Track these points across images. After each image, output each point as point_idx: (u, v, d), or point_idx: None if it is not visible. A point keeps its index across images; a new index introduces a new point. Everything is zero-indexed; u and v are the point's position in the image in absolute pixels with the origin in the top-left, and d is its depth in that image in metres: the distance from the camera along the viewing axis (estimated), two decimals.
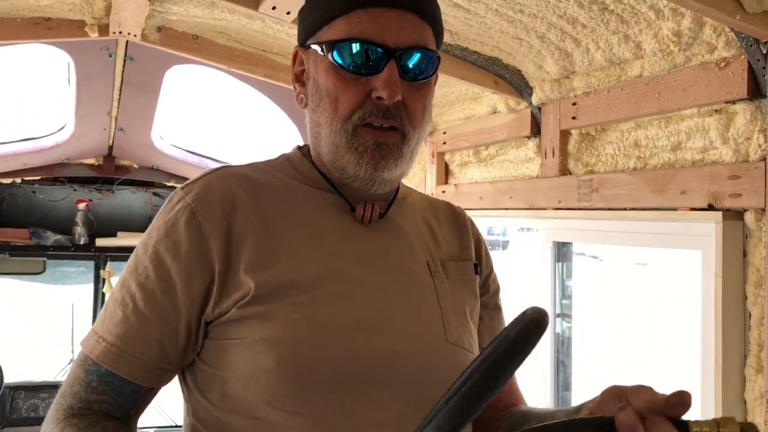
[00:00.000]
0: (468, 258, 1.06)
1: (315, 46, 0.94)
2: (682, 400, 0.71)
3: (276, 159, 1.05)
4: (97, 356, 0.91)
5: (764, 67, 1.38)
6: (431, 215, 1.09)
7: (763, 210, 1.39)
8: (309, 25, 0.96)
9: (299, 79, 0.99)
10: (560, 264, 2.20)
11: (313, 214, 0.95)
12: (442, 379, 0.90)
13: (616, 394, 0.76)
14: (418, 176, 2.87)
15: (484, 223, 2.76)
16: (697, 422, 0.71)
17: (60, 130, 3.27)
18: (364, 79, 0.90)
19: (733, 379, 1.47)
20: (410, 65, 0.91)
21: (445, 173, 2.77)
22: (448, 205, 1.16)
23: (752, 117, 1.43)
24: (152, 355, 0.90)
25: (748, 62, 1.40)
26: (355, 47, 0.88)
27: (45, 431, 0.92)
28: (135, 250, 0.95)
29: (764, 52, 1.37)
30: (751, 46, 1.38)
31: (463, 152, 2.61)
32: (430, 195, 2.80)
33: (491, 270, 1.13)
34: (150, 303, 0.90)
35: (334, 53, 0.90)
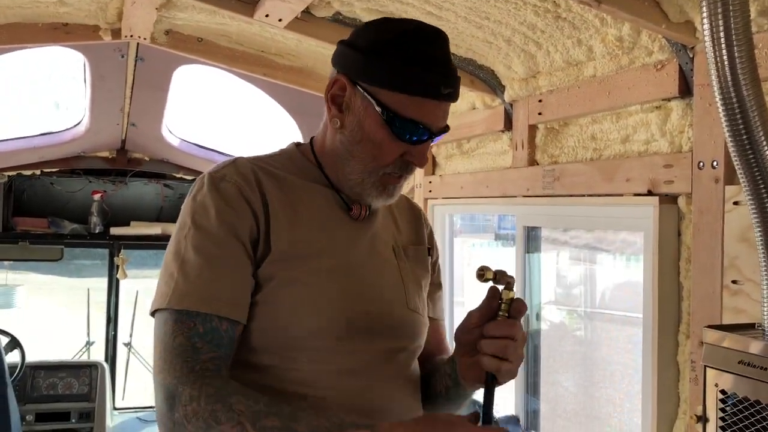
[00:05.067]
0: (422, 243, 1.34)
1: (370, 96, 1.10)
2: (492, 296, 1.10)
3: (276, 154, 1.25)
4: (218, 310, 1.05)
5: (692, 69, 1.57)
6: (395, 207, 1.35)
7: (691, 194, 1.58)
8: (368, 70, 1.10)
9: (336, 101, 1.14)
10: (530, 254, 2.40)
11: (319, 205, 1.18)
12: (401, 335, 1.22)
13: (462, 334, 1.14)
14: None
15: (467, 209, 2.96)
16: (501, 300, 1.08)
17: (76, 125, 3.50)
18: (403, 143, 1.12)
19: (668, 344, 1.67)
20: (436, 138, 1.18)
21: (432, 165, 2.97)
22: (407, 200, 1.42)
23: (683, 113, 1.63)
24: (246, 296, 1.09)
25: (679, 65, 1.60)
26: (415, 128, 1.10)
27: (174, 394, 1.00)
28: (191, 226, 1.10)
29: (691, 56, 1.56)
30: (680, 50, 1.57)
31: (448, 145, 2.81)
32: (414, 185, 3.00)
33: (437, 256, 1.42)
34: (234, 259, 1.09)
35: (397, 123, 1.09)
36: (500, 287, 1.08)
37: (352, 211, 1.20)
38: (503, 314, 1.07)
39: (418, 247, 1.31)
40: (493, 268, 1.09)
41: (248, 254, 1.09)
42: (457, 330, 1.15)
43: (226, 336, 1.06)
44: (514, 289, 1.11)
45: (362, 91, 1.10)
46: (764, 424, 1.17)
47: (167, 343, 1.03)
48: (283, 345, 1.10)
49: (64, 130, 3.55)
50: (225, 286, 1.07)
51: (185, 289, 1.05)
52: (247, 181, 1.13)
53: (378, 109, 1.09)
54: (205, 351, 1.03)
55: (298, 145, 1.27)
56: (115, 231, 4.02)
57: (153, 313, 1.09)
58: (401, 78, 1.07)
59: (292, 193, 1.17)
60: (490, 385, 1.07)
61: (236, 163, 1.17)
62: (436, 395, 1.28)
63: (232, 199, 1.11)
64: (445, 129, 1.15)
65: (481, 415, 1.05)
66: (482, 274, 1.08)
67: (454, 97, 1.12)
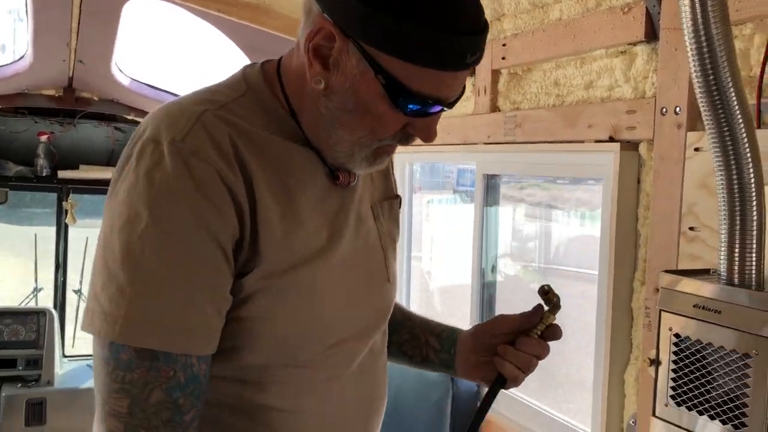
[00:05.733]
0: (393, 195, 1.16)
1: (368, 59, 0.83)
2: (534, 313, 1.07)
3: (240, 94, 0.94)
4: (197, 349, 0.83)
5: (659, 12, 1.54)
6: None
7: (652, 141, 1.57)
8: (369, 27, 0.82)
9: (319, 54, 0.86)
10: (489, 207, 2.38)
11: (306, 177, 0.94)
12: (383, 315, 1.09)
13: (486, 336, 1.11)
14: None
15: (428, 158, 2.92)
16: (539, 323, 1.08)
17: (19, 59, 3.32)
18: (407, 117, 0.88)
19: (623, 291, 1.68)
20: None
21: None
22: None
23: (649, 58, 1.60)
24: (222, 319, 0.86)
25: (646, 8, 1.56)
26: (425, 102, 0.85)
27: None
28: (149, 221, 0.80)
29: None
30: None
31: None
32: None
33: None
34: (213, 274, 0.84)
35: (402, 96, 0.84)
36: (546, 308, 1.09)
37: (340, 180, 0.97)
38: (536, 333, 1.08)
39: (392, 201, 1.14)
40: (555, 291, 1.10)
41: (229, 265, 0.85)
42: (479, 328, 1.13)
43: (204, 381, 0.85)
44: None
45: (358, 50, 0.83)
46: (715, 366, 1.17)
47: (138, 398, 0.79)
48: (268, 360, 0.92)
49: (6, 65, 3.36)
50: (201, 312, 0.82)
51: (148, 315, 0.79)
52: (226, 158, 0.84)
53: (379, 77, 0.83)
54: (187, 408, 0.82)
55: (263, 70, 0.97)
56: (63, 174, 3.87)
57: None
58: (415, 46, 0.80)
59: (278, 164, 0.91)
60: (498, 388, 1.09)
61: (204, 123, 0.85)
62: (404, 356, 1.21)
63: (210, 189, 0.82)
64: (461, 94, 0.91)
65: (477, 409, 1.08)
66: (546, 291, 1.08)
67: (479, 60, 0.87)
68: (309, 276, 0.92)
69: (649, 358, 1.33)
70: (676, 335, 1.25)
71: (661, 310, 1.29)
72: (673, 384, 1.26)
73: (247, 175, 0.86)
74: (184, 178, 0.81)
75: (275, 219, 0.88)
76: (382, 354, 1.11)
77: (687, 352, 1.23)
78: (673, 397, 1.26)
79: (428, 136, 0.91)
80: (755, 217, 1.17)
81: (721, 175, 1.18)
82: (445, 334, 1.19)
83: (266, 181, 0.88)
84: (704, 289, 1.21)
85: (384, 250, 1.07)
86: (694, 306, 1.22)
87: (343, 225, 0.98)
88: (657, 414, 1.31)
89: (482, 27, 0.85)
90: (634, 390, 1.66)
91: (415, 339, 1.20)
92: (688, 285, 1.24)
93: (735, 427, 1.15)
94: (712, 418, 1.19)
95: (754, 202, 1.17)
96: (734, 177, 1.17)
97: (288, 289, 0.90)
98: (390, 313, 1.11)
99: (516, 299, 2.62)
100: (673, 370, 1.26)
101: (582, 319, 2.34)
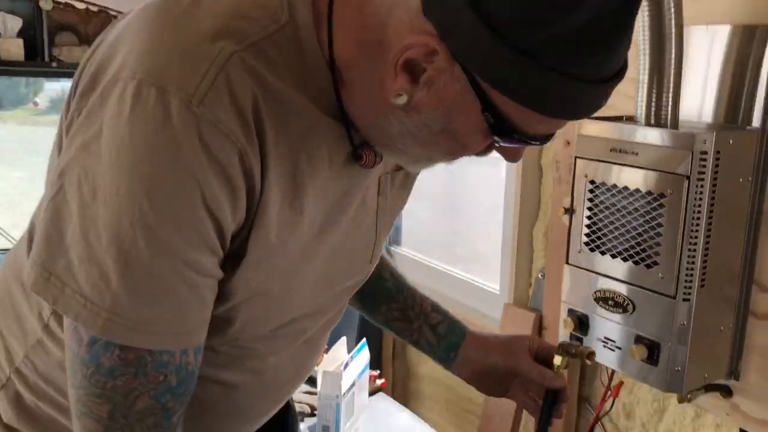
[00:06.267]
0: None
1: (478, 92, 0.66)
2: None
3: (277, 27, 0.70)
4: (190, 342, 0.72)
5: None
6: None
7: None
8: (497, 68, 0.64)
9: (409, 67, 0.67)
10: None
11: (321, 155, 0.76)
12: (348, 296, 0.97)
13: (497, 366, 1.04)
14: None
15: None
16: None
17: None
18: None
19: (533, 149, 1.66)
20: None
21: None
22: None
23: None
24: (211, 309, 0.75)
25: None
26: (529, 142, 0.72)
27: None
28: (148, 207, 0.64)
29: None
30: None
31: None
32: None
33: None
34: (212, 267, 0.71)
35: (506, 133, 0.70)
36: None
37: (364, 161, 0.79)
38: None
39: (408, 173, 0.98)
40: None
41: (224, 249, 0.72)
42: (492, 364, 1.04)
43: (196, 373, 0.75)
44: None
45: (465, 78, 0.65)
46: (630, 209, 1.18)
47: (122, 405, 0.69)
48: (214, 343, 0.80)
49: None
50: (197, 304, 0.71)
51: (140, 312, 0.67)
52: (248, 132, 0.67)
53: (486, 114, 0.68)
54: (176, 409, 0.73)
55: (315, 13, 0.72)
56: None
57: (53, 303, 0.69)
58: (545, 93, 0.65)
59: (295, 136, 0.72)
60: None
61: (230, 76, 0.66)
62: (392, 331, 1.13)
63: (229, 173, 0.66)
64: None
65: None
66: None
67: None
68: (288, 279, 0.80)
69: (564, 208, 1.32)
70: (592, 182, 1.24)
71: (576, 158, 1.27)
72: (588, 231, 1.26)
73: (264, 153, 0.69)
74: (198, 154, 0.64)
75: (273, 216, 0.73)
76: (333, 324, 0.99)
77: (602, 197, 1.22)
78: (587, 243, 1.26)
79: (515, 159, 0.78)
80: (674, 57, 1.14)
81: (642, 14, 1.14)
82: (442, 330, 1.08)
83: (278, 161, 0.71)
84: (621, 131, 1.19)
85: (377, 233, 0.92)
86: (611, 150, 1.20)
87: (342, 212, 0.83)
88: (570, 261, 1.32)
89: (624, 67, 0.68)
90: (543, 245, 1.68)
91: (407, 321, 1.10)
92: (604, 129, 1.22)
93: (647, 266, 1.17)
94: (625, 260, 1.20)
95: (674, 42, 1.14)
96: (654, 16, 1.13)
97: (261, 294, 0.78)
98: (356, 290, 0.99)
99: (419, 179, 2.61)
100: (588, 217, 1.25)
101: (477, 199, 2.37)
